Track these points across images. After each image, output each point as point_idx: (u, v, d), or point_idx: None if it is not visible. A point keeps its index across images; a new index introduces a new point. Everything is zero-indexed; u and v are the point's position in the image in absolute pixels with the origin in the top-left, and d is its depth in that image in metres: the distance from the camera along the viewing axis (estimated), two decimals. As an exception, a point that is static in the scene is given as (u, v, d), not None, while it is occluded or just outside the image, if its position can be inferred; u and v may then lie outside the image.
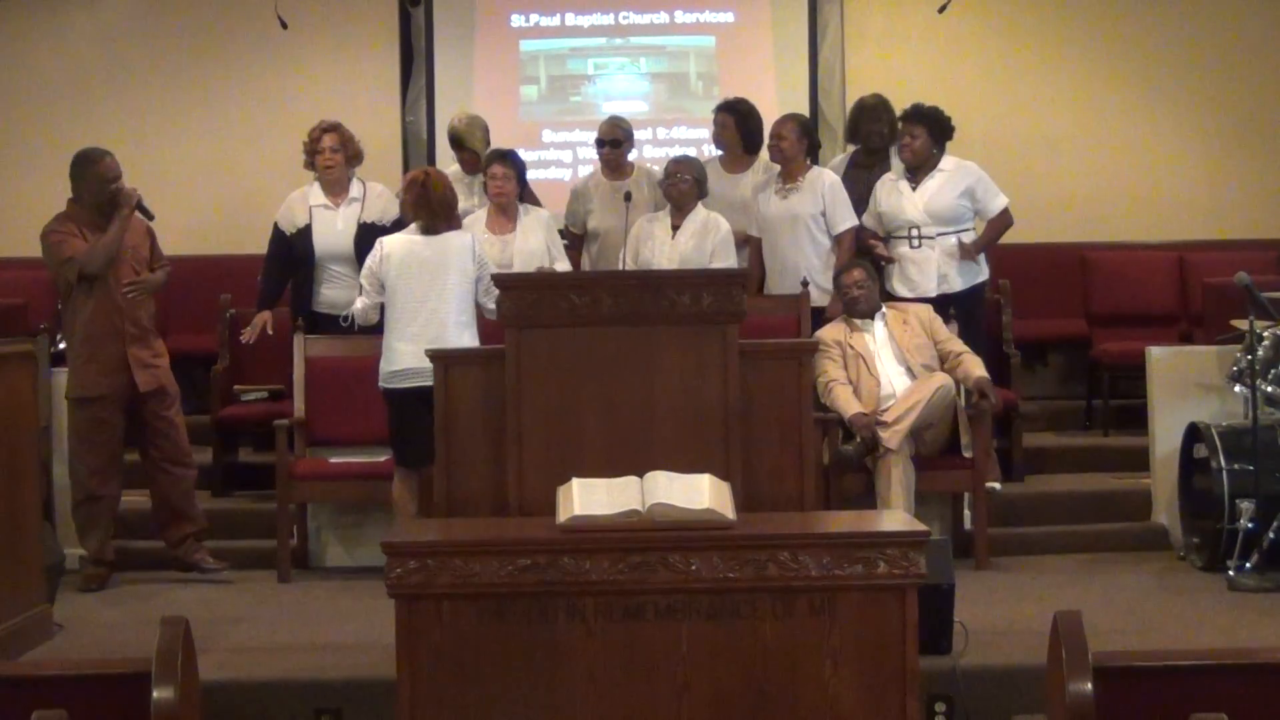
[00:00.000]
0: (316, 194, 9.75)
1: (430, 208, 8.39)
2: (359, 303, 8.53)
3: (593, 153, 11.73)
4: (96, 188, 8.93)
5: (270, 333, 9.66)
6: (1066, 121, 12.68)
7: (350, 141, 9.78)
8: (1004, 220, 9.91)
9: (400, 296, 8.31)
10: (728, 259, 9.64)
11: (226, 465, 10.33)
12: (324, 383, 9.38)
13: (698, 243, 9.64)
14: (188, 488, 9.08)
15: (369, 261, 8.47)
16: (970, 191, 9.75)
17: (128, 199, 8.91)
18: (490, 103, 11.92)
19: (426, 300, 8.26)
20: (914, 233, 9.65)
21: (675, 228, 9.72)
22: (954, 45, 12.71)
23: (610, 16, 12.65)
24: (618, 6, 12.63)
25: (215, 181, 12.57)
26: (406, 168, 11.65)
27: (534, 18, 12.68)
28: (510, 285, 6.88)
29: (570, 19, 12.69)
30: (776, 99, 11.85)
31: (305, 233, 9.67)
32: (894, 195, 9.78)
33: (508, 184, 9.58)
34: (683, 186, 9.71)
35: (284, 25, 12.34)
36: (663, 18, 12.66)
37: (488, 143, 10.44)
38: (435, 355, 7.02)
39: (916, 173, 9.76)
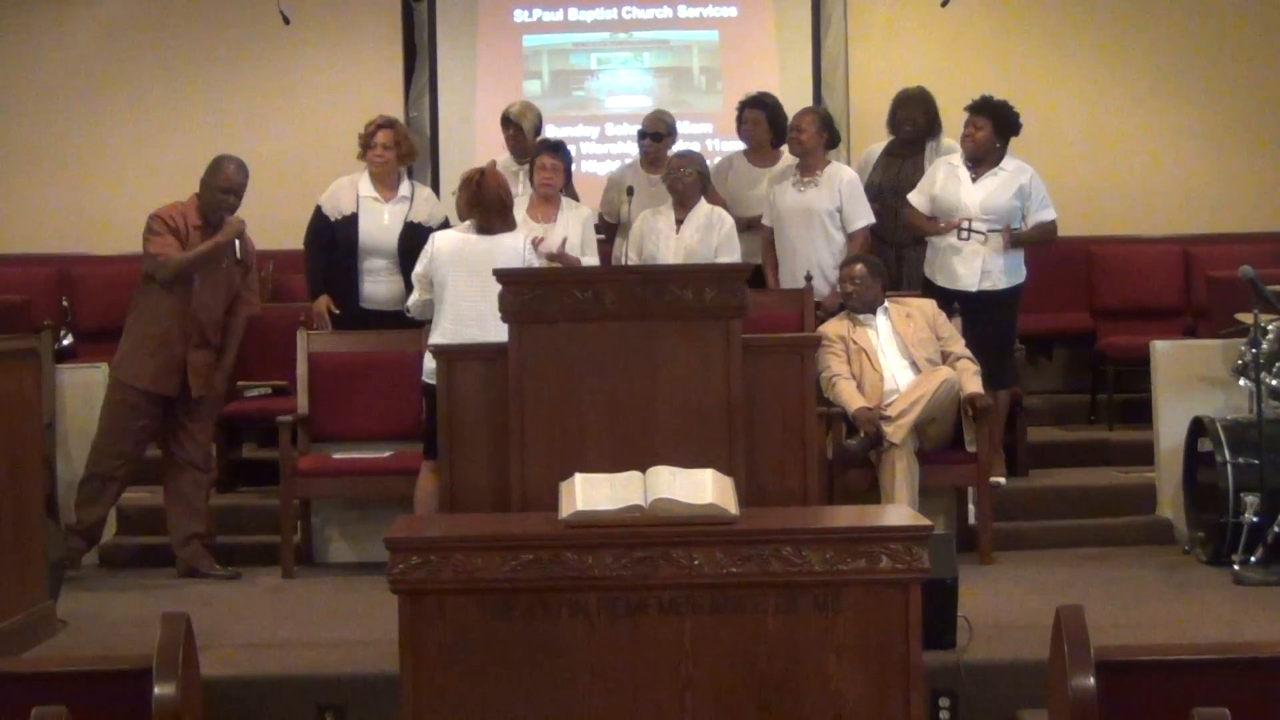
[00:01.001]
0: (366, 185, 9.72)
1: (483, 206, 8.30)
2: (413, 297, 8.49)
3: (596, 147, 11.79)
4: (208, 192, 8.96)
5: (336, 311, 9.66)
6: (1070, 115, 12.67)
7: (405, 140, 9.80)
8: (1050, 230, 9.77)
9: (448, 293, 8.22)
10: (732, 254, 9.65)
11: (230, 461, 10.31)
12: (327, 379, 9.37)
13: (703, 237, 9.65)
14: (198, 492, 9.07)
15: (421, 258, 8.41)
16: (1025, 193, 9.63)
17: (230, 228, 8.90)
18: (493, 98, 11.91)
19: (472, 299, 8.11)
20: (966, 224, 9.60)
21: (679, 222, 9.72)
22: (957, 38, 12.71)
23: (613, 11, 12.65)
24: (621, 1, 12.63)
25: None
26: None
27: (537, 12, 12.68)
28: (512, 280, 6.87)
29: (573, 14, 12.69)
30: (780, 93, 11.78)
31: (351, 221, 9.64)
32: (952, 181, 9.68)
33: (555, 175, 9.65)
34: (687, 180, 9.72)
35: (286, 20, 12.33)
36: (666, 12, 12.65)
37: (539, 129, 10.49)
38: (438, 350, 7.01)
39: (977, 165, 9.67)
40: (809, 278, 9.69)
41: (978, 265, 9.55)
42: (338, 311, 9.66)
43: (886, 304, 9.18)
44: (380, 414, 9.20)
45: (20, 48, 12.74)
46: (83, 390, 9.45)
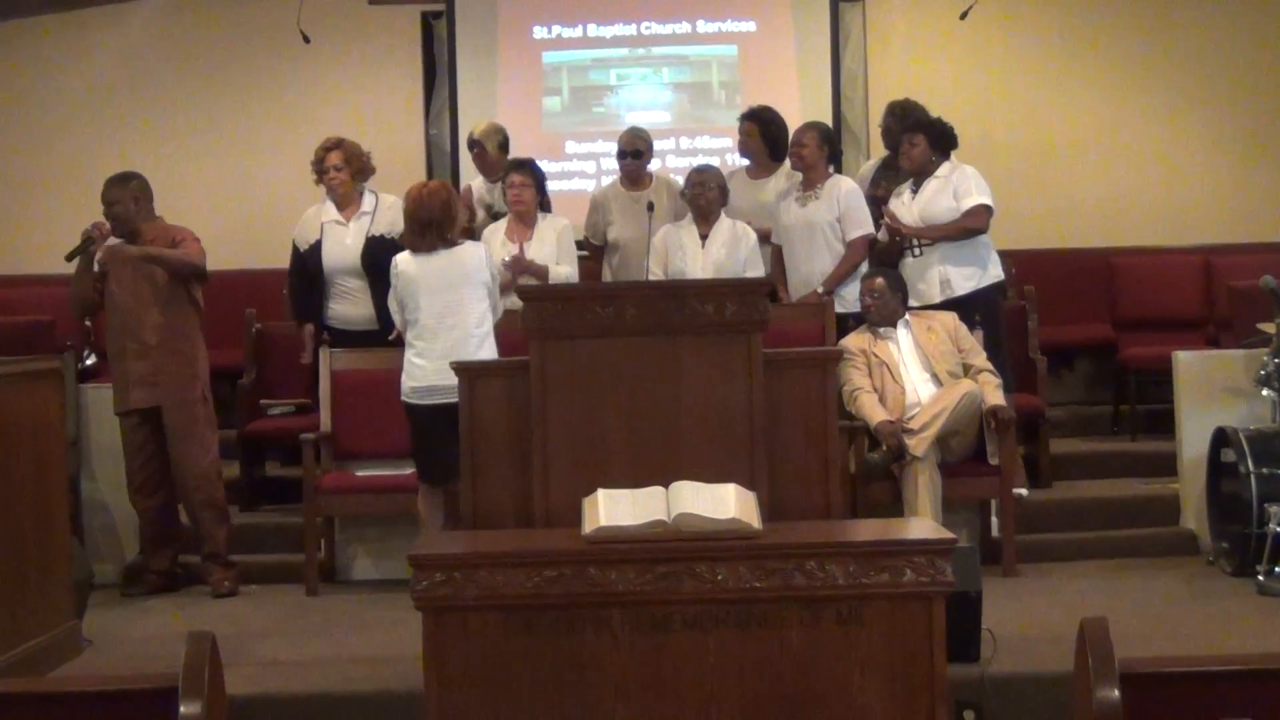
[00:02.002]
0: (329, 210, 9.77)
1: (418, 224, 8.30)
2: (396, 320, 8.51)
3: (615, 163, 11.78)
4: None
5: (325, 339, 9.67)
6: (1090, 126, 12.67)
7: (356, 157, 9.75)
8: (968, 219, 9.46)
9: (419, 314, 8.26)
10: (758, 268, 9.71)
11: (253, 479, 10.33)
12: (350, 396, 9.39)
13: (730, 251, 9.68)
14: (197, 502, 9.11)
15: (392, 282, 8.43)
16: (954, 190, 9.56)
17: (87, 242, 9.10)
18: (513, 114, 11.94)
19: (444, 316, 8.19)
20: (914, 241, 9.58)
21: (703, 237, 9.74)
22: (977, 51, 12.72)
23: (632, 27, 12.67)
24: (639, 17, 12.65)
25: (239, 197, 12.62)
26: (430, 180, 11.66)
27: (556, 29, 12.70)
28: (534, 296, 6.88)
29: (592, 30, 12.70)
30: (799, 107, 11.84)
31: (315, 249, 9.70)
32: (899, 207, 9.70)
33: (525, 192, 9.66)
34: (709, 195, 9.77)
35: (306, 40, 12.39)
36: (684, 27, 12.67)
37: (505, 148, 10.53)
38: (460, 368, 7.01)
39: (918, 180, 9.69)
40: (829, 292, 9.70)
41: (934, 276, 9.51)
42: (325, 339, 9.68)
43: (907, 317, 9.18)
44: (402, 431, 9.20)
45: (42, 68, 12.79)
46: (105, 410, 9.44)
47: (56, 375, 7.93)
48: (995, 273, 9.63)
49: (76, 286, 9.14)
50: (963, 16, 12.34)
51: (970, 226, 9.47)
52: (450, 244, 8.29)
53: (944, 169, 9.62)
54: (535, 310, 6.73)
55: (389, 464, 9.17)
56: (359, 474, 9.21)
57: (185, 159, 12.61)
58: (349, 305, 9.63)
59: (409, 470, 8.85)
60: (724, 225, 9.78)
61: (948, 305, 9.41)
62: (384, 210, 9.71)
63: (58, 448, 7.89)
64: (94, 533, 9.27)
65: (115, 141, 12.56)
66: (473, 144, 10.65)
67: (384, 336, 9.19)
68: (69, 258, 9.10)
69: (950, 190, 9.53)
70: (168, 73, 12.81)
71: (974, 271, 9.54)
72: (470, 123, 11.81)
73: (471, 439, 6.82)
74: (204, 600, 8.93)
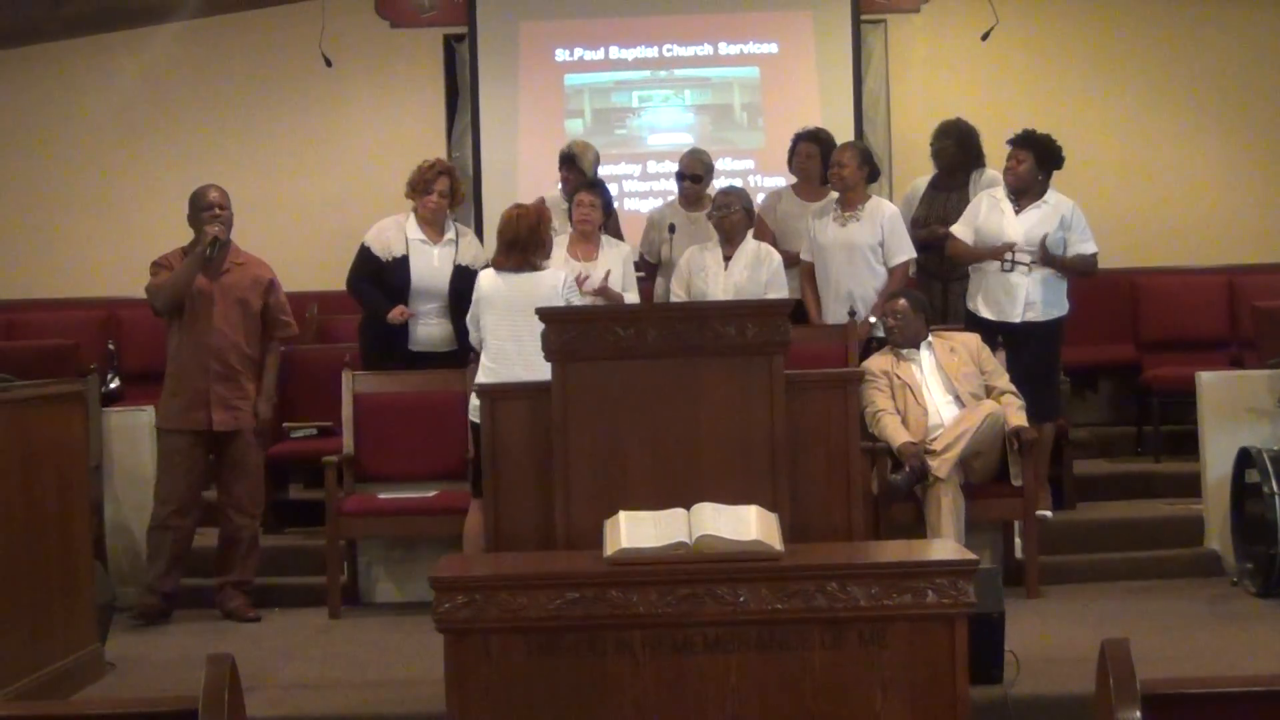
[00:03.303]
0: (414, 227, 9.68)
1: (501, 242, 8.37)
2: (473, 337, 8.51)
3: (638, 185, 11.82)
4: (192, 216, 9.08)
5: (413, 314, 9.58)
6: (1113, 147, 12.67)
7: (459, 186, 9.82)
8: (1090, 262, 9.71)
9: (491, 334, 8.28)
10: (780, 290, 9.69)
11: (276, 502, 10.32)
12: (373, 419, 9.39)
13: (751, 274, 9.68)
14: (245, 537, 9.07)
15: (474, 298, 8.46)
16: (1066, 224, 9.60)
17: (202, 239, 8.95)
18: (535, 137, 11.96)
19: (516, 339, 8.16)
20: (1010, 256, 9.59)
21: (727, 259, 9.74)
22: (998, 72, 12.72)
23: (654, 49, 12.69)
24: (661, 39, 12.66)
25: (261, 220, 12.57)
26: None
27: (578, 52, 12.73)
28: (555, 318, 6.88)
29: (614, 52, 12.73)
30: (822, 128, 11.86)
31: (403, 263, 9.60)
32: (995, 214, 9.68)
33: (594, 212, 9.70)
34: (734, 218, 9.76)
35: (329, 63, 12.44)
36: (706, 49, 12.69)
37: (596, 168, 10.53)
38: (481, 390, 7.02)
39: (1020, 198, 9.66)
40: (853, 313, 9.69)
41: (1021, 297, 9.53)
42: (414, 314, 9.61)
43: (930, 338, 9.17)
44: (426, 454, 9.21)
45: (65, 91, 12.84)
46: (129, 433, 9.47)
47: (80, 399, 7.94)
48: (1067, 306, 9.72)
49: (184, 281, 8.92)
50: (984, 37, 12.36)
51: (1091, 271, 9.79)
52: (535, 267, 8.31)
53: (1052, 197, 9.68)
54: (557, 332, 6.74)
55: (412, 487, 9.18)
56: (382, 496, 9.20)
57: (208, 182, 12.62)
58: (430, 328, 9.58)
59: (432, 493, 8.86)
60: (748, 247, 9.78)
61: (1024, 327, 9.49)
62: (466, 243, 9.75)
63: (81, 471, 7.89)
64: (117, 556, 9.26)
65: (138, 165, 12.61)
66: (567, 160, 10.61)
67: (463, 356, 9.21)
68: (207, 256, 8.96)
69: (1058, 221, 9.58)
70: (190, 97, 12.86)
71: (1058, 301, 9.65)
72: (494, 145, 11.85)
73: (493, 460, 6.83)
74: (225, 623, 8.91)
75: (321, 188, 12.56)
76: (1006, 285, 9.55)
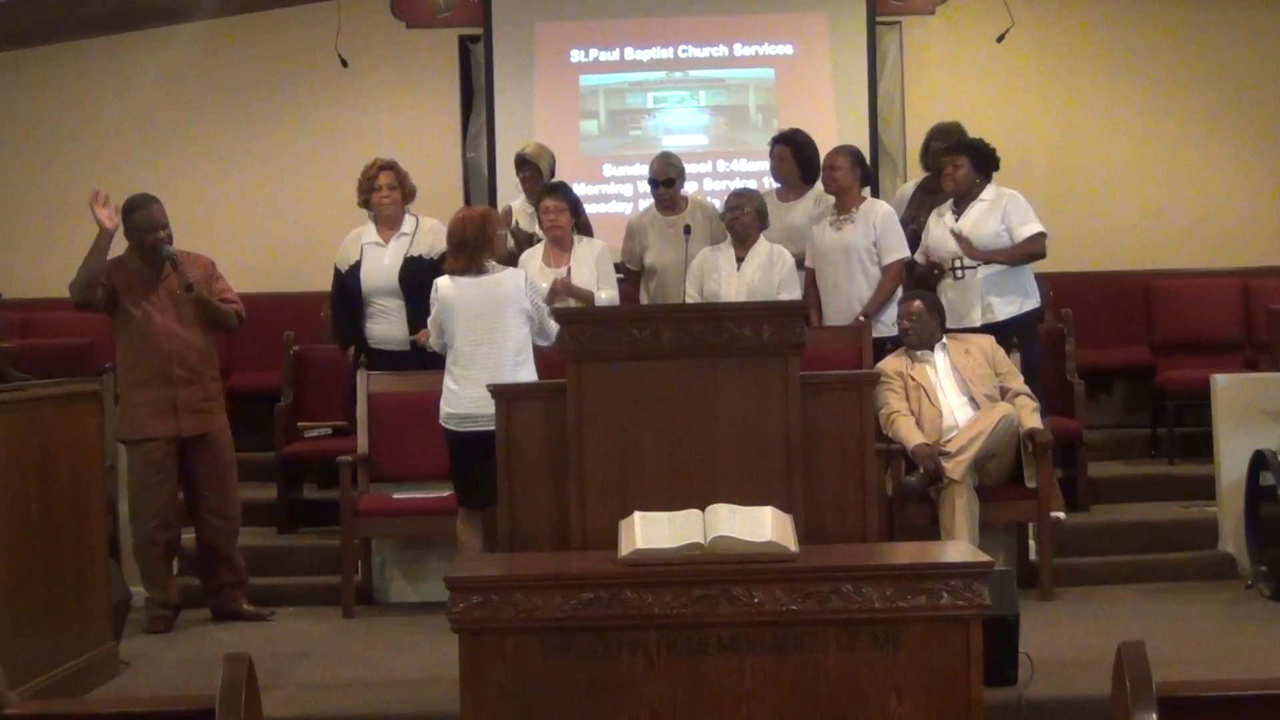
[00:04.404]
0: (370, 232, 9.85)
1: (451, 246, 8.36)
2: (432, 340, 8.51)
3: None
4: (135, 236, 8.94)
5: (363, 361, 9.66)
6: (1128, 149, 12.65)
7: (405, 179, 9.86)
8: (1031, 245, 9.58)
9: (457, 340, 8.27)
10: (793, 291, 9.68)
11: (290, 502, 10.34)
12: (387, 419, 9.40)
13: (764, 274, 9.67)
14: (224, 541, 9.02)
15: (431, 303, 8.46)
16: (1005, 215, 9.58)
17: (102, 229, 8.78)
18: (550, 138, 11.94)
19: (481, 344, 8.18)
20: (956, 263, 9.57)
21: (740, 260, 9.74)
22: (1013, 74, 12.71)
23: (669, 50, 12.68)
24: (676, 40, 12.66)
25: (277, 220, 12.67)
26: (468, 204, 11.68)
27: (593, 53, 12.73)
28: (571, 320, 6.89)
29: (629, 53, 12.72)
30: (836, 130, 11.84)
31: (355, 269, 9.75)
32: (939, 227, 9.74)
33: (560, 216, 9.70)
34: (745, 219, 9.75)
35: (344, 64, 12.46)
36: (721, 50, 12.68)
37: (553, 171, 10.54)
38: (496, 390, 7.02)
39: (960, 203, 9.70)
40: (868, 317, 9.69)
41: (975, 299, 9.53)
42: (364, 360, 9.70)
43: (945, 340, 9.16)
44: (440, 453, 9.21)
45: (82, 92, 12.85)
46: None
47: (95, 398, 7.95)
48: (1034, 299, 9.65)
49: (97, 269, 8.76)
50: (999, 40, 12.36)
51: (1034, 252, 9.60)
52: (484, 269, 8.29)
53: (988, 192, 9.65)
54: (572, 333, 6.75)
55: (426, 486, 9.19)
56: (396, 496, 9.21)
57: (223, 182, 12.67)
58: (386, 325, 9.66)
59: (446, 493, 8.86)
60: (761, 248, 9.77)
61: (987, 329, 9.42)
62: (424, 232, 9.78)
63: (96, 470, 7.91)
64: (131, 555, 9.27)
65: (154, 165, 12.59)
66: (522, 163, 10.65)
67: (417, 354, 9.22)
68: (187, 289, 8.83)
69: (998, 215, 9.56)
70: (206, 97, 12.86)
71: (1016, 298, 9.59)
72: (509, 146, 11.85)
73: (508, 461, 6.83)
74: (241, 622, 8.92)
75: (336, 189, 12.51)
76: (959, 292, 9.56)
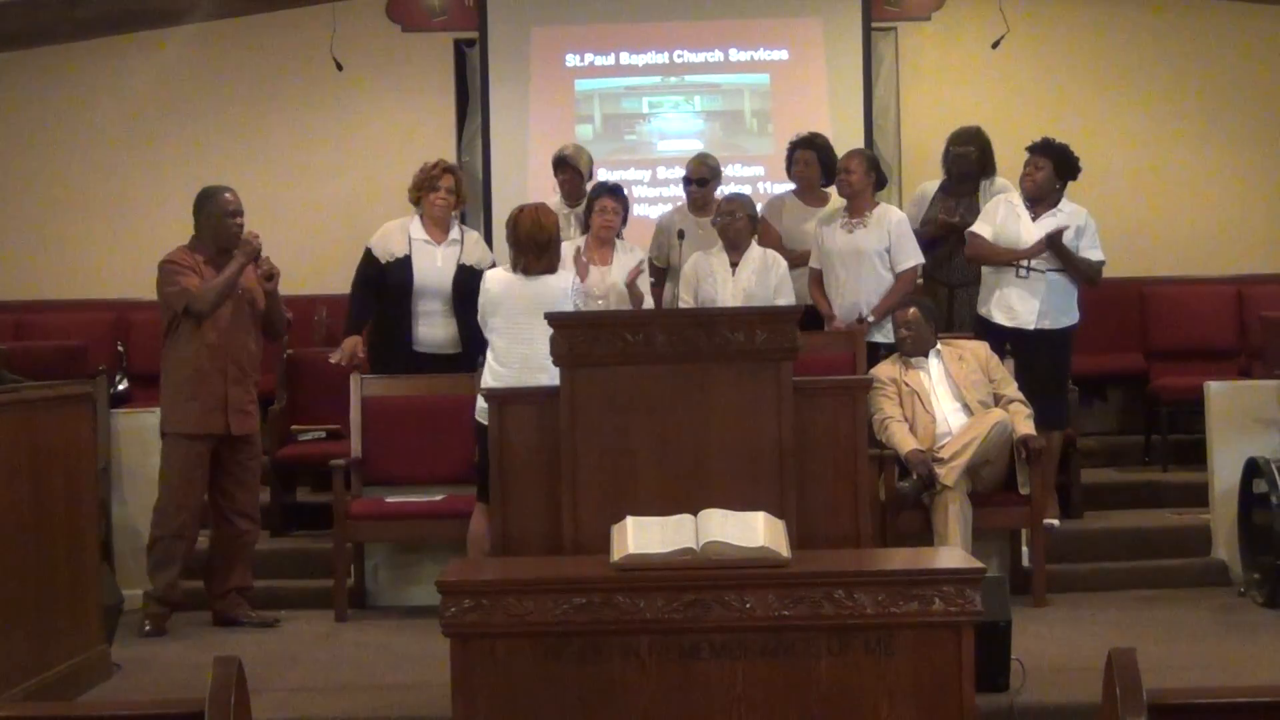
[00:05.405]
0: (418, 228, 9.73)
1: (517, 245, 8.22)
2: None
3: (648, 190, 11.80)
4: (215, 222, 8.92)
5: (361, 357, 9.66)
6: (1122, 155, 12.65)
7: (464, 185, 9.88)
8: (1095, 269, 9.72)
9: (498, 335, 8.19)
10: (789, 295, 9.68)
11: (284, 505, 10.32)
12: (381, 423, 9.40)
13: (760, 279, 9.66)
14: (246, 543, 9.00)
15: (480, 298, 8.39)
16: (1079, 233, 9.62)
17: (246, 247, 8.85)
18: (545, 142, 11.95)
19: (521, 341, 8.05)
20: (1025, 263, 9.60)
21: (734, 264, 9.73)
22: (1008, 80, 12.72)
23: (664, 55, 12.68)
24: (672, 45, 12.66)
25: (272, 222, 12.53)
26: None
27: (588, 57, 12.72)
28: (563, 324, 6.88)
29: (625, 58, 12.72)
30: (831, 136, 11.77)
31: (404, 263, 9.62)
32: (1012, 219, 9.73)
33: (615, 218, 9.72)
34: (738, 224, 9.74)
35: (340, 67, 12.46)
36: (717, 56, 12.68)
37: (592, 172, 10.53)
38: (489, 394, 7.02)
39: (1036, 205, 9.70)
40: (862, 319, 9.70)
41: (1035, 304, 9.55)
42: (361, 357, 9.66)
43: (939, 346, 9.17)
44: (433, 457, 9.22)
45: (77, 93, 12.84)
46: (137, 435, 9.47)
47: (89, 400, 7.94)
48: (1078, 316, 9.75)
49: (232, 284, 8.82)
50: (994, 46, 12.38)
51: (1094, 277, 9.75)
52: (551, 270, 8.24)
53: (1067, 205, 9.73)
54: (565, 337, 6.74)
55: (419, 490, 9.19)
56: (389, 500, 9.20)
57: (217, 183, 12.65)
58: (431, 328, 9.60)
59: (439, 497, 8.86)
60: (754, 253, 9.76)
61: (1036, 335, 9.53)
62: (471, 244, 9.79)
63: (89, 473, 7.90)
64: (124, 558, 9.26)
65: (149, 167, 12.61)
66: (561, 164, 10.60)
67: (469, 358, 9.21)
68: (268, 278, 8.95)
69: (1074, 230, 9.62)
70: (201, 99, 12.85)
71: (1070, 310, 9.70)
72: (504, 150, 11.85)
73: (501, 465, 6.83)
74: (233, 627, 8.89)
75: (331, 191, 12.56)
76: (1021, 291, 9.56)
